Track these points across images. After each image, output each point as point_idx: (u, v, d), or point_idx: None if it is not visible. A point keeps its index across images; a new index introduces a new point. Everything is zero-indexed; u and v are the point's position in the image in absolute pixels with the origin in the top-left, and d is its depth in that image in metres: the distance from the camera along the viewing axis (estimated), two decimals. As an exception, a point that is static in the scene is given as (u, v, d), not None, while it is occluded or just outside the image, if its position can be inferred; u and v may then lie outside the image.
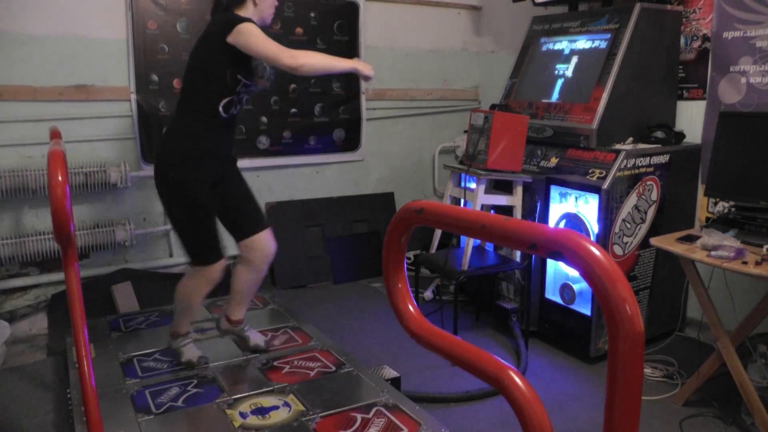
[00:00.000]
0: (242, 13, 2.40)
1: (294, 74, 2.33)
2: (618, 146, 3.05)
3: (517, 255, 3.29)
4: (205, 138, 2.42)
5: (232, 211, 2.61)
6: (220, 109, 2.39)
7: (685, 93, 3.32)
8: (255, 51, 2.29)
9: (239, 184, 2.64)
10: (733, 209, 2.63)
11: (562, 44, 3.50)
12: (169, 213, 2.48)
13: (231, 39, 2.29)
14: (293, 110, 4.12)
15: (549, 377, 2.92)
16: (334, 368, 2.66)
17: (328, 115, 4.26)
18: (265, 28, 2.39)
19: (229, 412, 2.29)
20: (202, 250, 2.45)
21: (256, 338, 2.82)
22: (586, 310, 3.02)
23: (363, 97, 4.38)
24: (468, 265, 3.14)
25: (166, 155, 2.42)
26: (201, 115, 2.39)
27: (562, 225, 3.13)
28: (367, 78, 2.46)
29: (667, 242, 2.53)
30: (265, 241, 2.63)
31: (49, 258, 3.34)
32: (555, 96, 3.38)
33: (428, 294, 3.92)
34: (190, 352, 2.67)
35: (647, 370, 2.91)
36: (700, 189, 3.24)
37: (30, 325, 3.37)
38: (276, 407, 2.32)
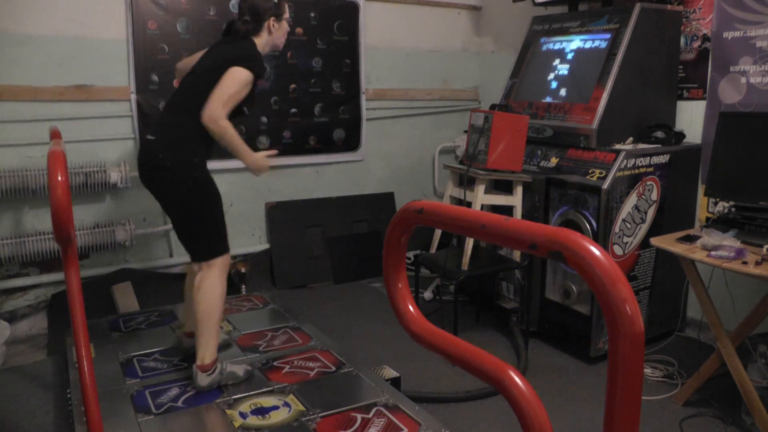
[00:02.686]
0: (257, 40, 2.50)
1: (208, 126, 2.32)
2: (618, 146, 3.05)
3: (517, 255, 3.28)
4: (208, 143, 2.45)
5: None
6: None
7: (685, 93, 3.32)
8: (219, 87, 2.32)
9: None
10: (733, 209, 2.63)
11: (562, 44, 3.49)
12: (188, 212, 2.43)
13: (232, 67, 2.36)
14: (293, 110, 4.12)
15: (549, 377, 2.92)
16: (334, 368, 2.66)
17: (328, 115, 4.26)
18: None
19: (229, 412, 2.29)
20: (223, 239, 2.50)
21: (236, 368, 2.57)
22: (586, 310, 3.02)
23: (363, 97, 4.38)
24: (468, 265, 3.14)
25: (185, 158, 2.41)
26: (200, 123, 2.36)
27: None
28: (255, 173, 2.54)
29: (667, 242, 2.53)
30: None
31: (49, 258, 3.34)
32: (555, 96, 3.38)
33: (428, 294, 3.92)
34: (236, 368, 2.52)
35: (647, 370, 2.91)
36: (700, 189, 3.24)
37: (30, 325, 3.37)
38: (276, 407, 2.32)
